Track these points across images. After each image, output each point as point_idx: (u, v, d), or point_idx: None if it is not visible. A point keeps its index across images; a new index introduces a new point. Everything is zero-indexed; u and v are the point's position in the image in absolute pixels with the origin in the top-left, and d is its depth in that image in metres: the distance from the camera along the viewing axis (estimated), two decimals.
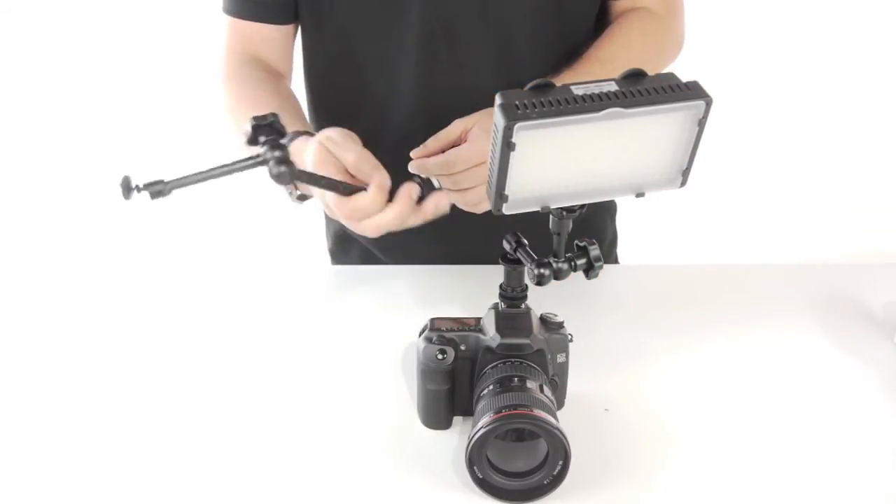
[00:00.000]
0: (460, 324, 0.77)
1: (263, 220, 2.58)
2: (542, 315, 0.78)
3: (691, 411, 0.80)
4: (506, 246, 0.74)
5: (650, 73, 0.90)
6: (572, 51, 1.00)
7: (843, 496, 0.71)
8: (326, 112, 1.08)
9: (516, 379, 0.71)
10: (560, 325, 0.77)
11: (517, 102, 0.61)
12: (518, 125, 0.60)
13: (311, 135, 0.87)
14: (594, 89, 0.63)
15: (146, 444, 0.77)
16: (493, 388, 0.70)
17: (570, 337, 0.77)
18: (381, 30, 0.98)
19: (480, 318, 0.77)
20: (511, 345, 0.74)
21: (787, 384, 0.84)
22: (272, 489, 0.72)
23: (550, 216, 0.71)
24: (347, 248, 1.19)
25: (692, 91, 0.64)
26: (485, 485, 0.69)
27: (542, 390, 0.71)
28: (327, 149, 0.80)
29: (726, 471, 0.73)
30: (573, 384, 0.79)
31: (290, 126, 0.86)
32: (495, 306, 0.77)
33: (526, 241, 0.74)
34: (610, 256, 1.24)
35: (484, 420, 0.67)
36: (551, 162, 0.65)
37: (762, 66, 2.73)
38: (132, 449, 0.77)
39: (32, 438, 0.78)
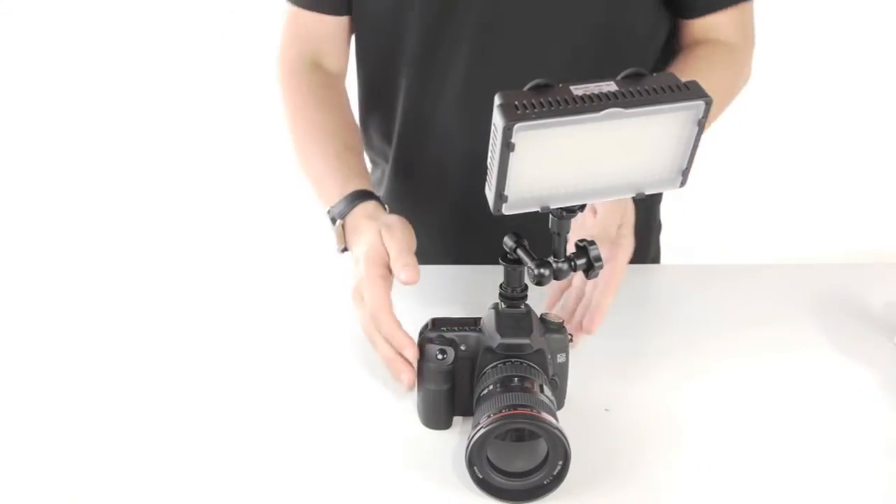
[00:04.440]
0: (460, 324, 0.77)
1: (260, 221, 2.58)
2: (542, 315, 0.78)
3: (691, 411, 0.81)
4: (506, 246, 0.74)
5: (719, 109, 0.91)
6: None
7: (843, 496, 0.71)
8: (375, 106, 1.11)
9: (516, 379, 0.71)
10: (560, 325, 0.77)
11: (517, 102, 0.61)
12: (518, 125, 0.60)
13: (371, 195, 0.90)
14: (593, 89, 0.62)
15: (147, 441, 0.77)
16: (494, 388, 0.71)
17: (570, 337, 0.77)
18: (432, 23, 0.99)
19: (480, 318, 0.77)
20: (511, 345, 0.74)
21: (786, 384, 0.84)
22: (272, 489, 0.72)
23: (550, 216, 0.71)
24: None
25: (692, 91, 0.64)
26: (485, 485, 0.69)
27: (542, 390, 0.71)
28: (382, 240, 0.82)
29: (726, 470, 0.73)
30: (573, 384, 0.79)
31: (349, 180, 0.92)
32: (495, 306, 0.77)
33: (526, 241, 0.74)
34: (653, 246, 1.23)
35: (484, 420, 0.67)
36: (551, 162, 0.65)
37: (763, 66, 2.73)
38: (134, 447, 0.77)
39: (39, 437, 0.78)
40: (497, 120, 0.61)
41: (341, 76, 1.10)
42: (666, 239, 1.24)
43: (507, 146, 0.61)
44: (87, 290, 1.03)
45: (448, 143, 1.05)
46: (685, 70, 0.96)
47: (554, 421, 0.66)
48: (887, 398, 0.82)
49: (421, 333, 0.77)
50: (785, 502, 0.70)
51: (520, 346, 0.74)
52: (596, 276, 0.73)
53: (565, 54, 0.98)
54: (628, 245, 0.84)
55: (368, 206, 0.89)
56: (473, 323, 0.77)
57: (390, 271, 0.81)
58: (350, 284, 0.84)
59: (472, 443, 0.67)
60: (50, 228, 2.64)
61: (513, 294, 0.76)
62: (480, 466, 0.68)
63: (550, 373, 0.76)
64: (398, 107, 1.06)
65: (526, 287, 0.76)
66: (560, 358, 0.77)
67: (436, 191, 1.10)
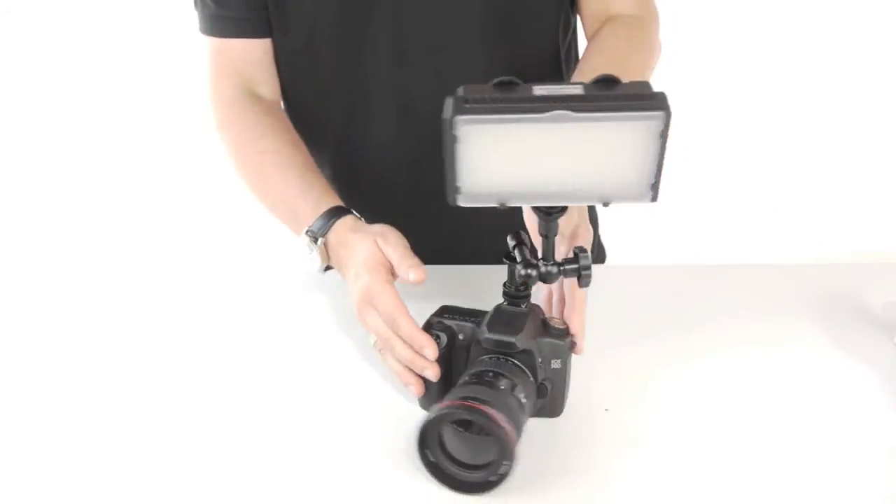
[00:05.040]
0: (466, 314, 0.78)
1: (258, 223, 2.58)
2: (545, 318, 0.77)
3: (691, 411, 0.80)
4: (508, 244, 0.74)
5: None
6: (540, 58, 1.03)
7: (843, 496, 0.71)
8: (302, 130, 1.08)
9: (491, 374, 0.71)
10: (563, 331, 0.76)
11: (471, 97, 0.61)
12: (459, 118, 0.61)
13: (347, 210, 0.90)
14: (556, 91, 0.62)
15: (141, 443, 0.77)
16: (467, 379, 0.71)
17: (569, 344, 0.76)
18: (347, 39, 0.99)
19: (488, 311, 0.78)
20: (496, 341, 0.74)
21: (786, 384, 0.84)
22: (269, 487, 0.72)
23: (538, 218, 0.71)
24: None
25: (652, 102, 0.61)
26: (434, 468, 0.69)
27: (513, 390, 0.71)
28: (379, 248, 0.83)
29: (726, 470, 0.73)
30: (574, 384, 0.79)
31: (321, 198, 0.92)
32: (500, 303, 0.77)
33: (527, 241, 0.74)
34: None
35: (440, 406, 0.67)
36: (503, 159, 0.65)
37: (763, 66, 2.73)
38: (121, 450, 0.77)
39: (14, 441, 0.78)
40: (444, 111, 0.62)
41: (278, 103, 1.07)
42: (668, 239, 1.24)
43: (452, 138, 0.62)
44: (82, 293, 1.03)
45: (387, 155, 1.05)
46: (594, 57, 0.96)
47: (502, 420, 0.66)
48: (887, 398, 0.82)
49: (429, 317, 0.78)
50: (786, 501, 0.70)
51: (505, 344, 0.74)
52: (587, 284, 0.73)
53: (473, 42, 0.99)
54: (584, 233, 0.83)
55: (348, 221, 0.89)
56: (478, 315, 0.77)
57: (393, 276, 0.81)
58: (344, 299, 0.83)
59: (422, 425, 0.67)
60: (48, 227, 2.64)
61: (514, 293, 0.76)
62: (433, 450, 0.69)
63: (540, 377, 0.75)
64: (328, 132, 1.05)
65: (528, 286, 0.76)
66: (554, 364, 0.76)
67: (379, 204, 1.08)
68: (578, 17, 1.07)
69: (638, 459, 0.74)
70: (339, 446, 0.76)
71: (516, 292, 0.76)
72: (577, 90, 0.62)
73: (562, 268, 0.72)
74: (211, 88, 1.05)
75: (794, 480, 0.72)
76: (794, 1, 2.71)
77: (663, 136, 0.63)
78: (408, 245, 0.83)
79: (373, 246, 0.83)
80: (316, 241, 0.89)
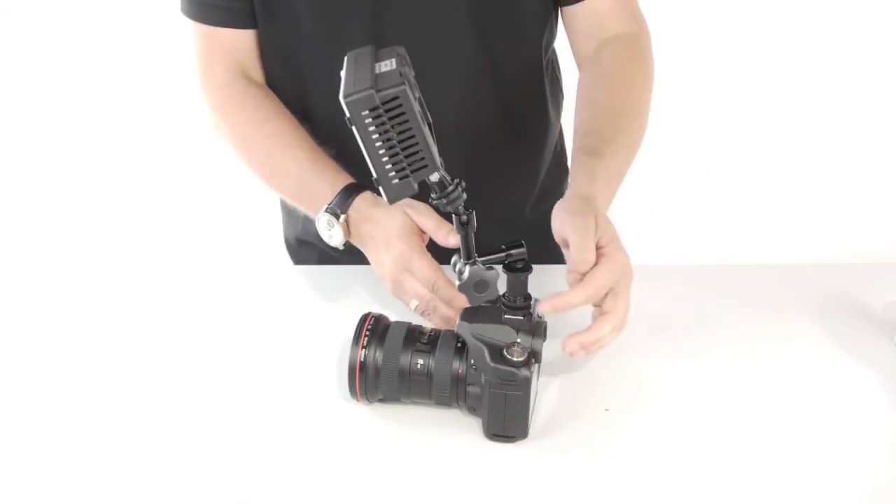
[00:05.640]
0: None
1: (251, 218, 2.58)
2: (507, 344, 0.73)
3: (692, 411, 0.81)
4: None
5: (641, 110, 0.94)
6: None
7: (843, 496, 0.71)
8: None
9: (432, 334, 0.77)
10: (510, 361, 0.72)
11: (371, 47, 0.69)
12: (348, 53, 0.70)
13: (363, 187, 0.92)
14: (383, 66, 0.66)
15: (110, 440, 0.77)
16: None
17: (505, 374, 0.72)
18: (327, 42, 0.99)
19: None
20: (464, 310, 0.78)
21: (787, 384, 0.84)
22: (261, 478, 0.72)
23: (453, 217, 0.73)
24: (307, 247, 1.19)
25: (358, 83, 0.64)
26: None
27: (419, 355, 0.75)
28: (411, 218, 0.87)
29: (727, 470, 0.73)
30: (573, 384, 0.79)
31: (336, 177, 0.94)
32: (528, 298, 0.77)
33: (471, 238, 0.74)
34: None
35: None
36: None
37: (763, 65, 2.73)
38: (104, 440, 0.77)
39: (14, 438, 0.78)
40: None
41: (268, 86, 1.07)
42: (668, 239, 1.23)
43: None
44: (77, 292, 1.03)
45: None
46: (599, 86, 0.96)
47: (361, 347, 0.75)
48: (887, 398, 0.82)
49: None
50: (785, 500, 0.70)
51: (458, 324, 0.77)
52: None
53: (454, 46, 0.99)
54: (613, 252, 0.78)
55: (367, 197, 0.91)
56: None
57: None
58: (366, 272, 0.87)
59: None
60: (48, 227, 2.65)
61: (513, 304, 0.76)
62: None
63: (469, 380, 0.74)
64: (314, 124, 1.04)
65: (528, 297, 0.76)
66: (484, 377, 0.73)
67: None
68: (564, 35, 1.06)
69: (638, 459, 0.74)
70: (321, 449, 0.76)
71: (513, 303, 0.76)
72: (391, 64, 0.66)
73: (461, 273, 0.75)
74: (201, 75, 1.05)
75: (794, 480, 0.72)
76: (797, 1, 2.71)
77: (350, 122, 0.65)
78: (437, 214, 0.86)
79: (404, 217, 0.87)
80: (337, 217, 0.90)
